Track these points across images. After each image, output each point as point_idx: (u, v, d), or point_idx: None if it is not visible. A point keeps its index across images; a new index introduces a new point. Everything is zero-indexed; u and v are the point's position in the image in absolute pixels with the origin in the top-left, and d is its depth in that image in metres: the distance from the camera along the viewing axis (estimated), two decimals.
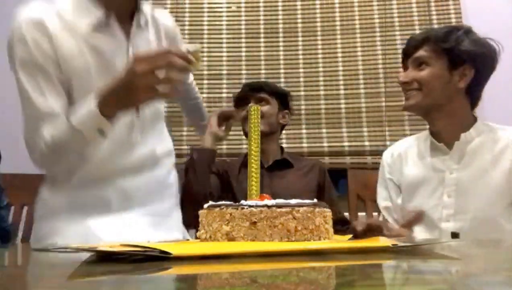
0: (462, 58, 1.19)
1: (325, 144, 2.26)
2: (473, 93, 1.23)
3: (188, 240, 1.16)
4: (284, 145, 2.24)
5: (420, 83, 1.21)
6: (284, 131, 2.20)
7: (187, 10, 2.49)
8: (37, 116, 1.01)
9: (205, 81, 2.40)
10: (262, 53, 2.42)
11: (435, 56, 1.21)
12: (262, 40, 2.44)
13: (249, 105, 0.83)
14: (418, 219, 1.11)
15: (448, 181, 1.21)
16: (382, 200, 1.36)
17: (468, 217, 1.16)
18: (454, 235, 1.08)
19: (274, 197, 0.70)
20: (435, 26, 2.35)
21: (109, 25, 1.05)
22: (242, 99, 1.63)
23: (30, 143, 1.03)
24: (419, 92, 1.22)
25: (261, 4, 2.48)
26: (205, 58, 2.43)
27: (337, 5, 2.44)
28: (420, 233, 1.19)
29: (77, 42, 1.02)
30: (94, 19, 1.03)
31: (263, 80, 1.74)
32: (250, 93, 1.62)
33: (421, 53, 1.22)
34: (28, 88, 1.01)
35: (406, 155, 1.33)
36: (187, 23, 2.47)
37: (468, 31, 1.22)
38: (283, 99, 1.67)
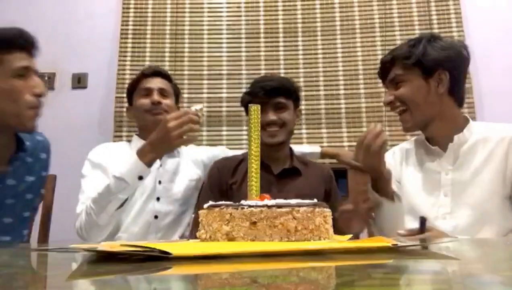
0: (432, 66, 1.22)
1: (325, 144, 2.26)
2: (456, 93, 1.26)
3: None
4: None
5: (403, 101, 1.26)
6: None
7: (187, 10, 2.49)
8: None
9: (205, 81, 2.40)
10: (262, 53, 2.42)
11: (407, 72, 1.25)
12: (262, 40, 2.44)
13: (249, 105, 0.83)
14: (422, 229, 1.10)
15: (444, 181, 1.24)
16: None
17: (464, 214, 1.19)
18: (423, 219, 1.07)
19: None
20: (435, 26, 2.36)
21: None
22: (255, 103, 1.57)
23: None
24: (407, 112, 1.26)
25: (261, 4, 2.48)
26: (205, 58, 2.44)
27: (337, 5, 2.44)
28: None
29: None
30: None
31: (277, 77, 1.60)
32: (266, 98, 1.48)
33: (393, 73, 1.27)
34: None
35: (407, 160, 1.36)
36: (187, 23, 2.48)
37: (430, 39, 1.25)
38: (295, 97, 1.57)
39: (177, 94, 1.69)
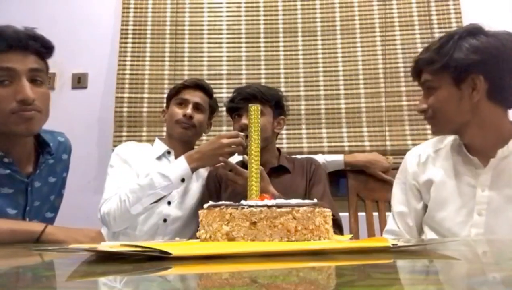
0: (462, 69, 1.07)
1: (325, 144, 2.26)
2: (499, 98, 1.09)
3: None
4: (284, 145, 2.25)
5: (433, 110, 1.13)
6: (284, 131, 2.20)
7: (187, 10, 2.49)
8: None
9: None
10: (262, 53, 2.42)
11: (436, 78, 1.12)
12: (262, 40, 2.44)
13: (249, 105, 0.83)
14: None
15: (480, 199, 1.10)
16: (398, 204, 1.27)
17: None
18: None
19: None
20: (435, 26, 2.35)
21: None
22: (234, 109, 1.59)
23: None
24: (434, 120, 1.15)
25: (261, 4, 2.48)
26: (205, 58, 2.44)
27: (337, 5, 2.44)
28: None
29: None
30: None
31: (255, 85, 1.65)
32: (242, 104, 1.55)
33: (424, 78, 1.14)
34: None
35: (434, 161, 1.23)
36: (187, 23, 2.47)
37: (462, 37, 1.09)
38: (277, 105, 1.59)
39: (213, 110, 1.73)
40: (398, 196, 1.29)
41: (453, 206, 1.14)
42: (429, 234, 1.20)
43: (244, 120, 1.53)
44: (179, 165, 1.43)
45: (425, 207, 1.24)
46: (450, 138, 1.24)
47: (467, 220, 1.11)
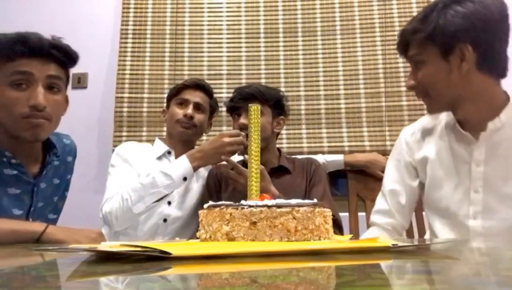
0: (448, 40, 1.01)
1: (325, 144, 2.26)
2: (489, 68, 1.03)
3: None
4: (284, 145, 2.25)
5: (424, 87, 1.08)
6: (284, 131, 2.20)
7: (187, 10, 2.49)
8: None
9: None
10: (262, 53, 2.42)
11: (422, 51, 1.06)
12: (262, 40, 2.44)
13: (249, 104, 0.83)
14: None
15: (475, 175, 1.06)
16: (391, 182, 1.22)
17: (498, 217, 1.03)
18: None
19: None
20: None
21: None
22: (234, 109, 1.59)
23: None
24: (426, 98, 1.10)
25: (261, 4, 2.48)
26: (205, 58, 2.44)
27: (337, 5, 2.44)
28: (446, 232, 1.10)
29: None
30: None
31: (255, 85, 1.65)
32: (241, 103, 1.54)
33: (411, 52, 1.10)
34: None
35: (430, 138, 1.18)
36: (187, 23, 2.47)
37: (447, 4, 1.02)
38: (276, 105, 1.59)
39: (213, 110, 1.73)
40: (391, 174, 1.24)
41: (450, 184, 1.10)
42: (430, 217, 1.17)
43: (243, 120, 1.53)
44: (181, 164, 1.44)
45: (421, 186, 1.20)
46: (444, 115, 1.18)
47: (464, 198, 1.08)
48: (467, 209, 1.07)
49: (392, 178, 1.23)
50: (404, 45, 1.11)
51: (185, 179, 1.43)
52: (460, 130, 1.10)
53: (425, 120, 1.23)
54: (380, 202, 1.24)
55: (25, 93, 1.07)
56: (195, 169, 1.46)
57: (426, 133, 1.20)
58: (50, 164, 1.21)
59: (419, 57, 1.07)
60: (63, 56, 1.13)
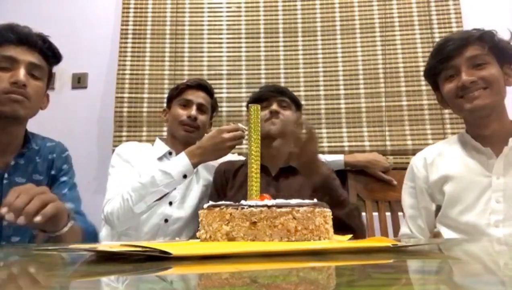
0: (507, 55, 1.19)
1: (325, 144, 2.26)
2: None
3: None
4: None
5: (487, 82, 1.18)
6: None
7: (187, 10, 2.49)
8: None
9: None
10: (262, 53, 2.42)
11: (487, 54, 1.20)
12: (262, 40, 2.44)
13: (249, 105, 0.83)
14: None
15: (496, 187, 1.16)
16: (408, 208, 1.34)
17: None
18: None
19: None
20: (435, 26, 2.35)
21: None
22: (263, 99, 1.57)
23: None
24: (486, 91, 1.18)
25: (261, 4, 2.48)
26: (205, 58, 2.44)
27: (337, 5, 2.44)
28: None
29: None
30: None
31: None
32: (274, 94, 1.57)
33: (472, 52, 1.20)
34: None
35: (442, 160, 1.28)
36: (187, 23, 2.47)
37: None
38: (298, 109, 1.63)
39: (214, 109, 1.74)
40: (407, 201, 1.35)
41: (470, 198, 1.19)
42: (446, 234, 1.23)
43: (275, 107, 1.53)
44: (180, 161, 1.43)
45: (438, 208, 1.28)
46: (453, 137, 1.31)
47: (486, 209, 1.16)
48: (488, 219, 1.15)
49: (409, 205, 1.34)
50: (463, 45, 1.21)
51: (185, 176, 1.42)
52: (478, 145, 1.22)
53: (433, 147, 1.35)
54: (404, 227, 1.37)
55: (6, 74, 1.14)
56: (195, 165, 1.45)
57: (437, 156, 1.30)
58: (22, 157, 1.22)
59: (484, 58, 1.20)
60: (47, 48, 1.21)
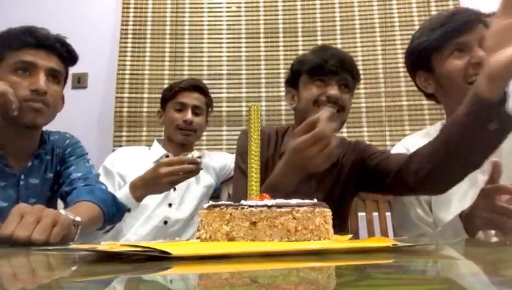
0: None
1: None
2: None
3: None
4: None
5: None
6: None
7: (187, 10, 2.49)
8: None
9: (205, 81, 2.39)
10: (262, 53, 2.42)
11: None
12: (262, 40, 2.44)
13: (250, 104, 0.83)
14: (497, 171, 1.00)
15: (481, 183, 1.08)
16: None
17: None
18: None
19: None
20: None
21: None
22: (327, 73, 1.20)
23: None
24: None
25: (261, 4, 2.48)
26: (205, 58, 2.44)
27: (337, 5, 2.45)
28: (451, 238, 1.13)
29: None
30: None
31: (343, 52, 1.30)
32: (340, 69, 1.20)
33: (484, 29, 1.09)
34: None
35: None
36: (187, 23, 2.48)
37: None
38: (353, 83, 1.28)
39: (209, 108, 1.72)
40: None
41: (456, 195, 1.16)
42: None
43: (333, 91, 1.19)
44: (123, 195, 1.34)
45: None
46: (432, 128, 1.24)
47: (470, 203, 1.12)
48: None
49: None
50: (477, 20, 1.12)
51: (129, 210, 1.33)
52: None
53: (413, 138, 1.30)
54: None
55: (27, 79, 1.12)
56: (139, 199, 1.35)
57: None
58: (38, 158, 1.23)
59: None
60: (65, 51, 1.20)
